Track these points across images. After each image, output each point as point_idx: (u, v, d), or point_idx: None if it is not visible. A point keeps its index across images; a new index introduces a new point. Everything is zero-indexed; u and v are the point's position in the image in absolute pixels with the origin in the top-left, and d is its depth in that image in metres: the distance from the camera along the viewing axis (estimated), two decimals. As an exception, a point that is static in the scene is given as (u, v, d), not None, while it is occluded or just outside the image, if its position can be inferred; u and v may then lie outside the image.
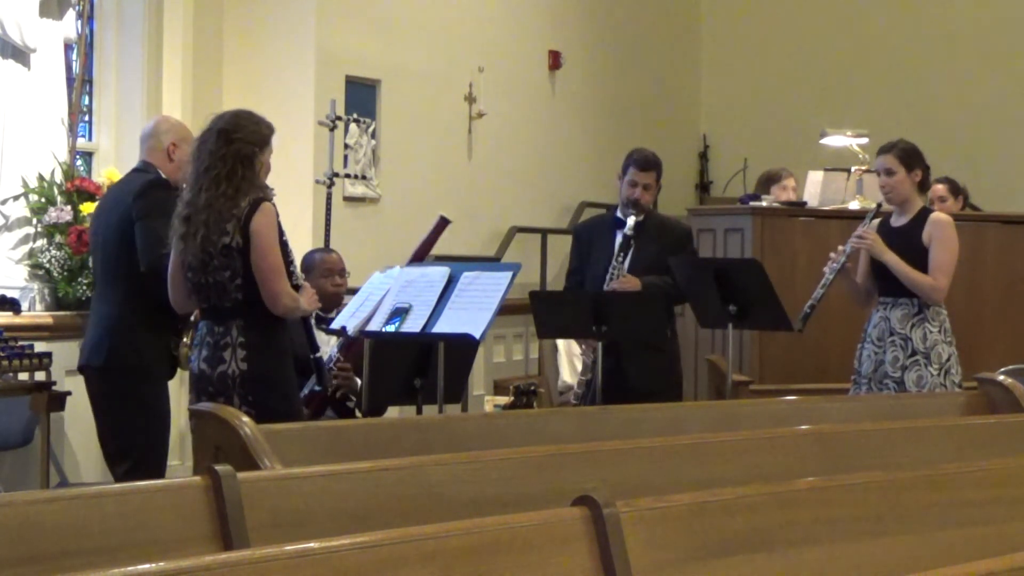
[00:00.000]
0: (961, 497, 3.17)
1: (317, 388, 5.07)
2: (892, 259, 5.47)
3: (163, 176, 5.11)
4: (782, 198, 7.55)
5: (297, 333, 4.71)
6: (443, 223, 5.40)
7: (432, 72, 8.80)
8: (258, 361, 4.45)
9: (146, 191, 5.02)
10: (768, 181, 7.84)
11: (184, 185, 4.63)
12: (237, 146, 4.43)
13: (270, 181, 4.60)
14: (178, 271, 4.55)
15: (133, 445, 4.98)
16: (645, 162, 5.75)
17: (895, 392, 5.42)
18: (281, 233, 4.50)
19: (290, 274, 4.51)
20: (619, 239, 5.68)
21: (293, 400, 4.63)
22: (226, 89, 7.79)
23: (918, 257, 5.48)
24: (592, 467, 3.43)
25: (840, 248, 5.56)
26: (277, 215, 4.50)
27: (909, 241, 5.51)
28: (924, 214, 5.58)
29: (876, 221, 5.64)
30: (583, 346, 5.86)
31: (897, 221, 5.63)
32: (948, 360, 5.46)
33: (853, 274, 5.68)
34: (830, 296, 5.64)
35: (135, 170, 5.23)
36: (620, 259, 5.63)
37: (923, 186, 5.65)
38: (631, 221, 5.66)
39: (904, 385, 5.43)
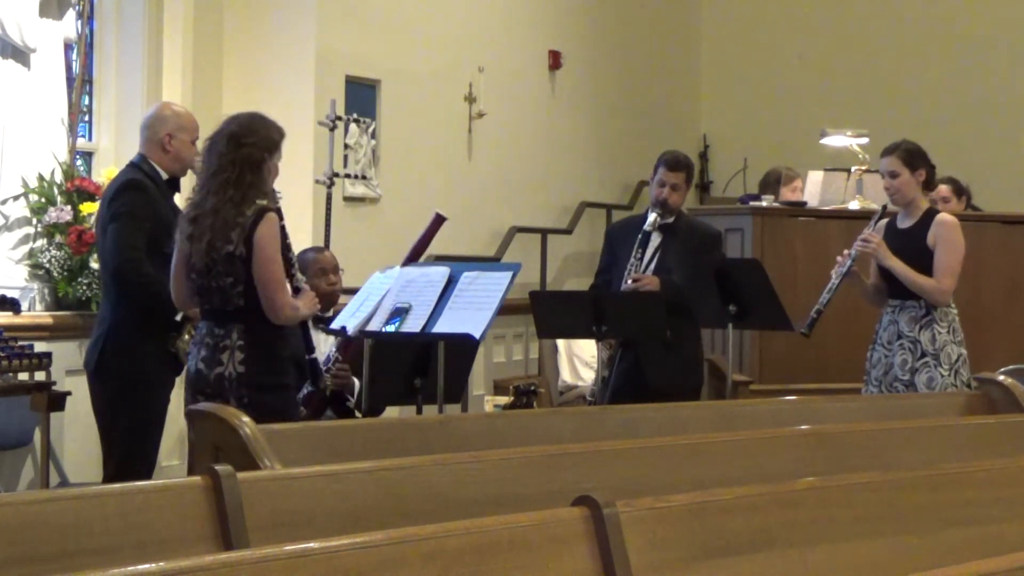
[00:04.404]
0: (961, 497, 3.16)
1: (310, 388, 5.07)
2: (896, 264, 5.44)
3: (152, 171, 5.01)
4: (791, 200, 7.54)
5: (295, 334, 4.71)
6: (439, 220, 5.38)
7: (432, 72, 8.79)
8: (254, 365, 4.44)
9: (118, 194, 4.95)
10: (777, 181, 7.83)
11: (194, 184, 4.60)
12: (247, 151, 4.42)
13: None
14: (182, 270, 4.53)
15: (119, 446, 4.95)
16: (675, 162, 5.77)
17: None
18: (284, 237, 4.49)
19: (291, 277, 4.51)
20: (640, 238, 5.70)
21: (289, 405, 4.61)
22: (226, 89, 7.78)
23: (924, 259, 5.44)
24: (592, 467, 3.43)
25: (846, 252, 5.53)
26: (282, 221, 4.50)
27: (915, 243, 5.49)
28: (930, 215, 5.54)
29: (883, 223, 5.61)
30: (599, 344, 5.83)
31: (903, 223, 5.60)
32: (958, 360, 5.43)
33: (864, 276, 5.64)
34: (833, 296, 5.62)
35: (130, 163, 5.13)
36: (638, 255, 5.64)
37: (928, 185, 5.61)
38: (651, 218, 5.68)
39: (914, 388, 5.39)
